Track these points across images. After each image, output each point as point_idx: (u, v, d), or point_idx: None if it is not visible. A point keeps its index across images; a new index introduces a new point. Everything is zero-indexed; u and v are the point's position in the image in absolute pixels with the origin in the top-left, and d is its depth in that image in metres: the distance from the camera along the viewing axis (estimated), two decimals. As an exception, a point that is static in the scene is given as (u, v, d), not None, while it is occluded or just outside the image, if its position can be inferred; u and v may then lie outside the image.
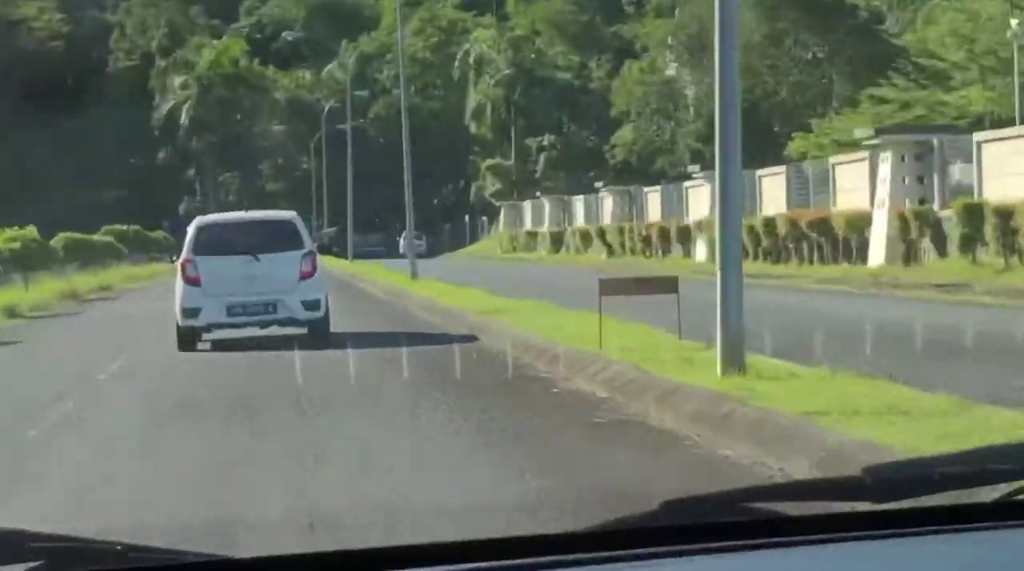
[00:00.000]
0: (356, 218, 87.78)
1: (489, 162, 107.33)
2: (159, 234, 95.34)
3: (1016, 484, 2.58)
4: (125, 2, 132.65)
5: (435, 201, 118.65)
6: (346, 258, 76.61)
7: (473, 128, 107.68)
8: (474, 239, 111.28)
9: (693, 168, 61.51)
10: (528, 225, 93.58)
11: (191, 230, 22.73)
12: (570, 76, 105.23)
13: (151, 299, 41.06)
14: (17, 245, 50.16)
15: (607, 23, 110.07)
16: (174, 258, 24.79)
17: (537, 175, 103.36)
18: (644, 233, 65.41)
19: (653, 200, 71.06)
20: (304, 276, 21.86)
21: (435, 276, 44.50)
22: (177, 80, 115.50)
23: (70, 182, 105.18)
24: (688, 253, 60.51)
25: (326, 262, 35.83)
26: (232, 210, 46.45)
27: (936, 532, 2.50)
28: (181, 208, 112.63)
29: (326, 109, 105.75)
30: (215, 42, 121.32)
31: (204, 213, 32.27)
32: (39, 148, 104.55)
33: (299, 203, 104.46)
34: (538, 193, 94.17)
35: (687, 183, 65.32)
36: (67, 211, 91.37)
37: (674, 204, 66.88)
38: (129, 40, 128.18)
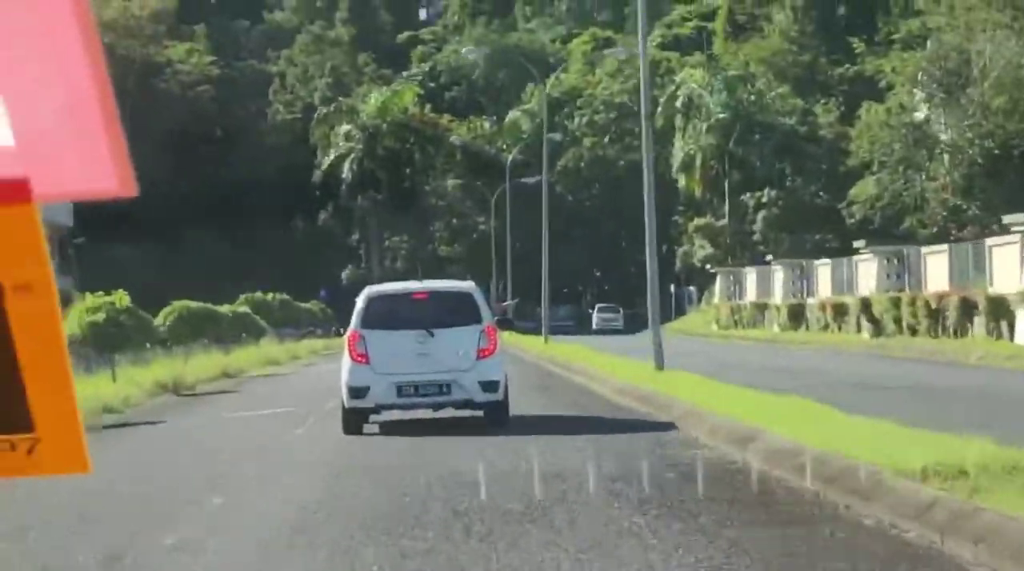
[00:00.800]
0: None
1: (698, 222, 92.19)
2: (314, 305, 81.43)
3: None
4: (286, 51, 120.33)
5: (632, 268, 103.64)
6: (537, 334, 61.84)
7: (681, 182, 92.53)
8: (680, 312, 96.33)
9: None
10: (752, 295, 78.21)
11: (360, 301, 20.96)
12: (794, 122, 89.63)
13: (288, 392, 34.02)
14: (100, 317, 36.33)
15: (832, 63, 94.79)
16: (340, 330, 25.31)
17: (755, 236, 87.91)
18: (934, 305, 49.70)
19: (935, 263, 55.24)
20: (483, 354, 20.26)
21: (678, 365, 30.50)
22: (341, 130, 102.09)
23: (217, 245, 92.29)
24: (997, 332, 45.05)
25: (512, 341, 32.26)
26: (399, 277, 40.27)
27: None
28: (344, 275, 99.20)
29: (509, 159, 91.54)
30: (384, 88, 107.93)
31: (368, 281, 29.56)
32: (186, 208, 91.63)
33: (475, 268, 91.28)
34: (768, 257, 78.48)
35: (991, 241, 49.80)
36: (210, 277, 78.43)
37: (969, 268, 51.17)
38: (290, 91, 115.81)
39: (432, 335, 20.41)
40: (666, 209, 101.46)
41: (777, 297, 71.90)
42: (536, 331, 74.24)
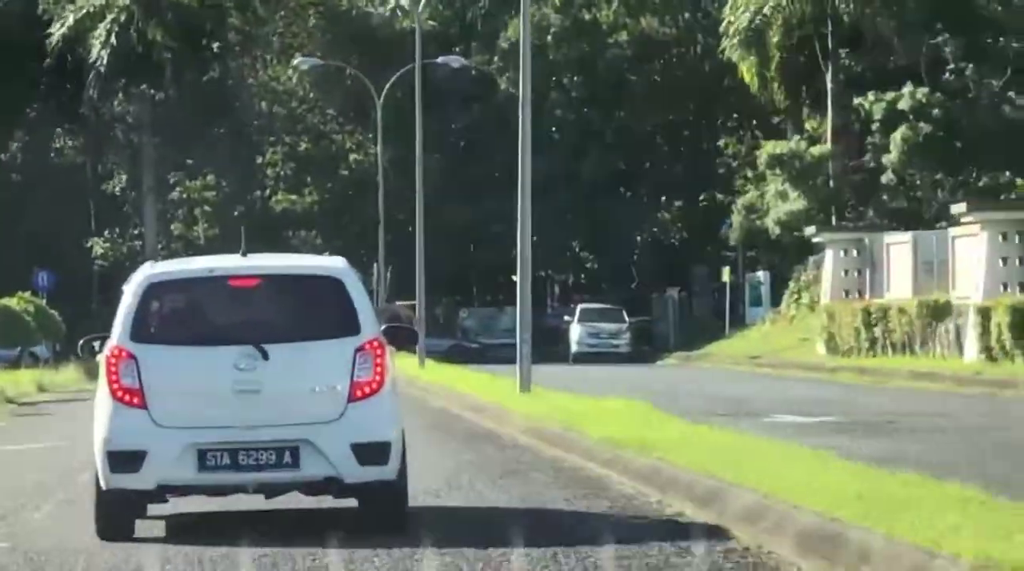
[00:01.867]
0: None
1: (775, 147, 51.27)
2: (21, 302, 44.99)
3: None
4: None
5: (637, 239, 63.18)
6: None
7: (741, 73, 52.13)
8: (737, 318, 56.12)
9: None
10: (903, 285, 42.31)
11: (128, 294, 13.04)
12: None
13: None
14: None
15: None
16: (96, 346, 13.34)
17: (887, 176, 47.48)
18: None
19: None
20: (361, 391, 12.54)
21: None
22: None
23: None
24: None
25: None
26: (200, 252, 26.87)
27: None
28: (93, 247, 59.31)
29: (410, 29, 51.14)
30: None
31: (139, 258, 30.74)
32: None
33: (343, 237, 50.65)
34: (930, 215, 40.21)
35: None
36: None
37: None
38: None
39: (265, 356, 12.44)
40: (709, 121, 60.73)
41: (974, 289, 37.28)
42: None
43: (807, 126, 54.42)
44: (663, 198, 62.68)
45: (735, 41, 50.52)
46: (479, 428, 23.25)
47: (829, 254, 45.14)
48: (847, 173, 49.84)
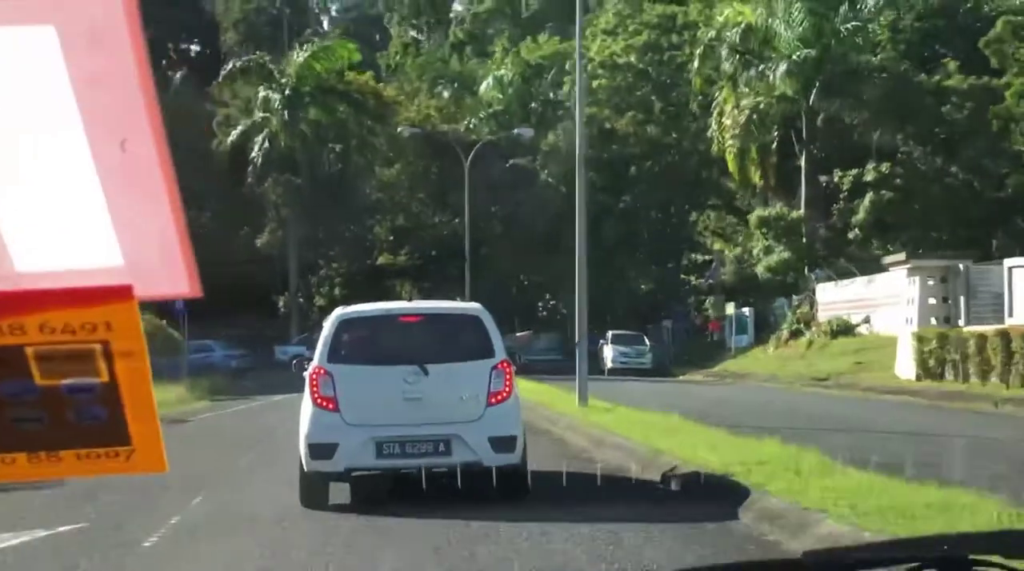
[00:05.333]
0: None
1: (760, 213, 64.28)
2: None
3: None
4: None
5: (641, 284, 76.26)
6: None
7: (730, 166, 65.53)
8: (714, 350, 67.72)
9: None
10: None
11: (328, 328, 15.83)
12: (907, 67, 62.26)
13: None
14: None
15: None
16: (305, 361, 16.21)
17: (852, 233, 60.45)
18: None
19: None
20: (495, 399, 15.43)
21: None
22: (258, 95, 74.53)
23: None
24: None
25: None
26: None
27: None
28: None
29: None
30: (311, 44, 79.77)
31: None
32: None
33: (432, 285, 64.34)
34: (887, 258, 50.10)
35: None
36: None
37: None
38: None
39: (426, 373, 15.30)
40: (694, 200, 74.70)
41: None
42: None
43: (769, 202, 67.45)
44: (656, 256, 76.40)
45: (728, 137, 62.83)
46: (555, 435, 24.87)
47: (916, 282, 44.86)
48: (815, 232, 63.21)
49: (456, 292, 62.35)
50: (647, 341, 67.11)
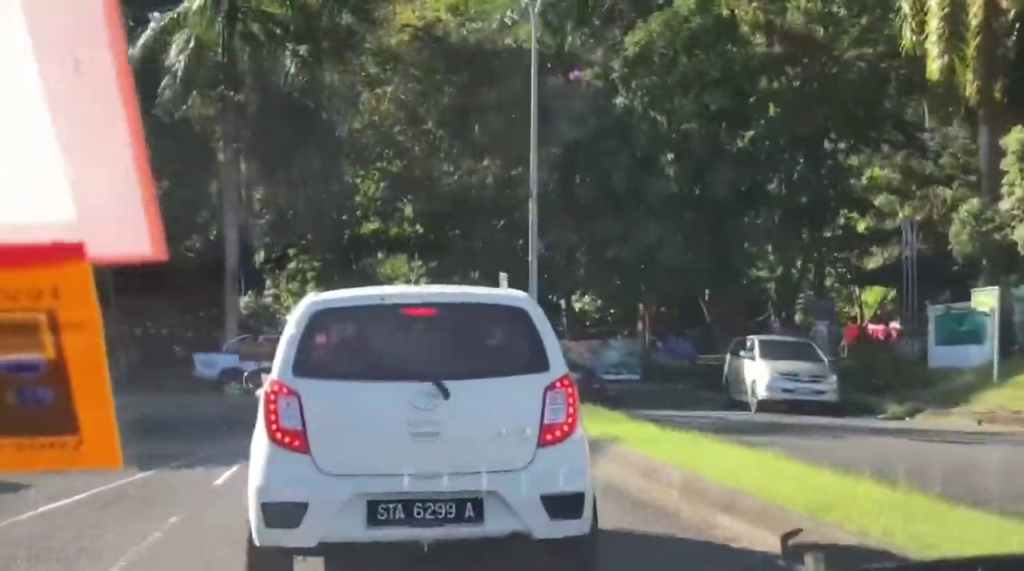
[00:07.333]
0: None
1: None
2: None
3: None
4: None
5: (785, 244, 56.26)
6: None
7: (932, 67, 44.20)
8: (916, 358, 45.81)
9: None
10: None
11: (294, 324, 11.18)
12: None
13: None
14: None
15: None
16: (261, 375, 11.85)
17: None
18: None
19: None
20: (552, 435, 10.87)
21: None
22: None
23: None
24: None
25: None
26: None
27: None
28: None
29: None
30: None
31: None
32: None
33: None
34: None
35: None
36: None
37: None
38: None
39: (446, 394, 10.70)
40: (859, 135, 53.66)
41: None
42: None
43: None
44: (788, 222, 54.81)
45: (935, 22, 42.72)
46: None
47: None
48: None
49: (488, 270, 42.96)
50: (822, 354, 42.82)
